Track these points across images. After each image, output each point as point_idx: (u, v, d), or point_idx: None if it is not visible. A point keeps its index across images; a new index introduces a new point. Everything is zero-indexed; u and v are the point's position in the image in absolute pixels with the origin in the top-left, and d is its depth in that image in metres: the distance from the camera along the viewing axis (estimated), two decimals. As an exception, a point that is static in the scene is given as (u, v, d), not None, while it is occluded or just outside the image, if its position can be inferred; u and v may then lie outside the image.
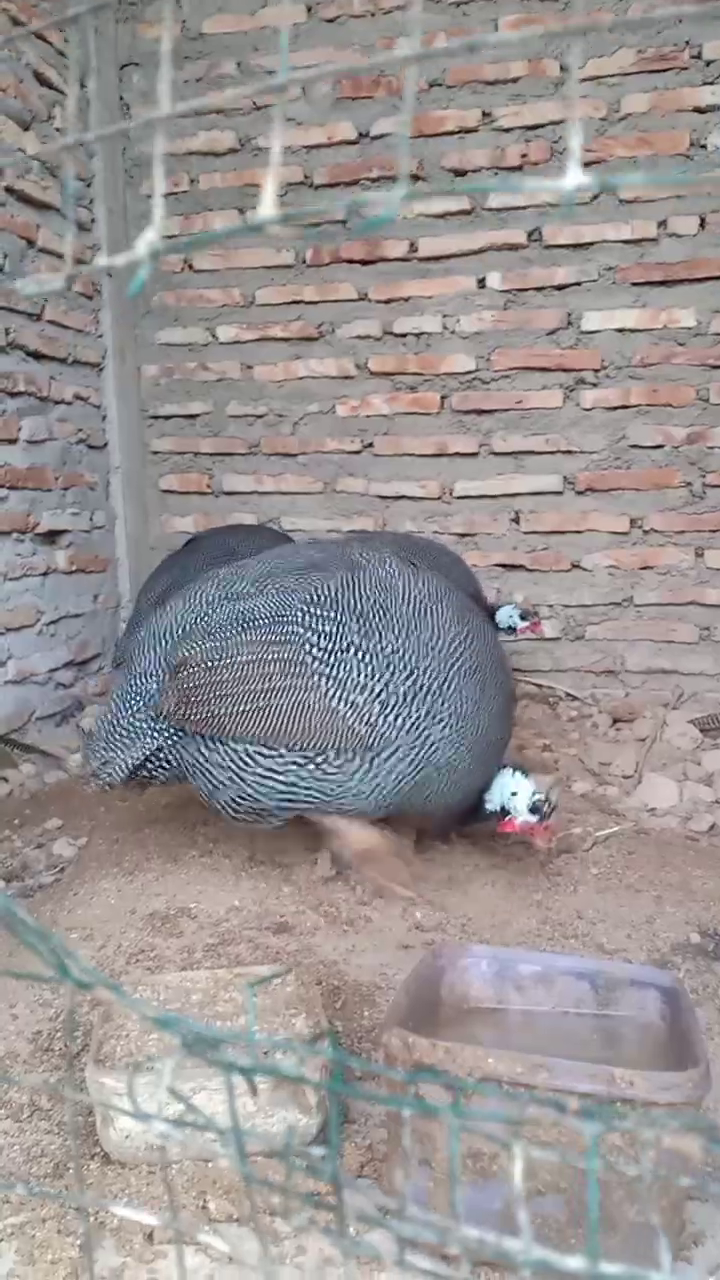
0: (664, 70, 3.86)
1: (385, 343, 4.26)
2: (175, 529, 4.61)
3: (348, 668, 2.20)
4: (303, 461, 4.43)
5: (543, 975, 1.71)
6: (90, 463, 4.22)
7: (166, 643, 2.37)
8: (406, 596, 2.32)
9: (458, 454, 4.23)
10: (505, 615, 3.66)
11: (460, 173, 4.07)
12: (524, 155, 4.00)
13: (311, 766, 2.23)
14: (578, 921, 2.34)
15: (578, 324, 4.04)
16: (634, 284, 3.96)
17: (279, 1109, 1.49)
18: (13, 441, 3.67)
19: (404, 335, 4.23)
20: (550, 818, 2.41)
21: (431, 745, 2.25)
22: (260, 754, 2.24)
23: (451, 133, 4.07)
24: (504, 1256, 0.52)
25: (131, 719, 2.37)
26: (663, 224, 3.90)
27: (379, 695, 2.20)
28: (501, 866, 2.62)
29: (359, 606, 2.26)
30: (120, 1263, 1.31)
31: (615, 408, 4.03)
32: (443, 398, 4.23)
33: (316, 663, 2.20)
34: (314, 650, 2.20)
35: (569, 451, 4.11)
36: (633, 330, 3.98)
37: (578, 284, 4.02)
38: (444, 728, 2.25)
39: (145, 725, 2.35)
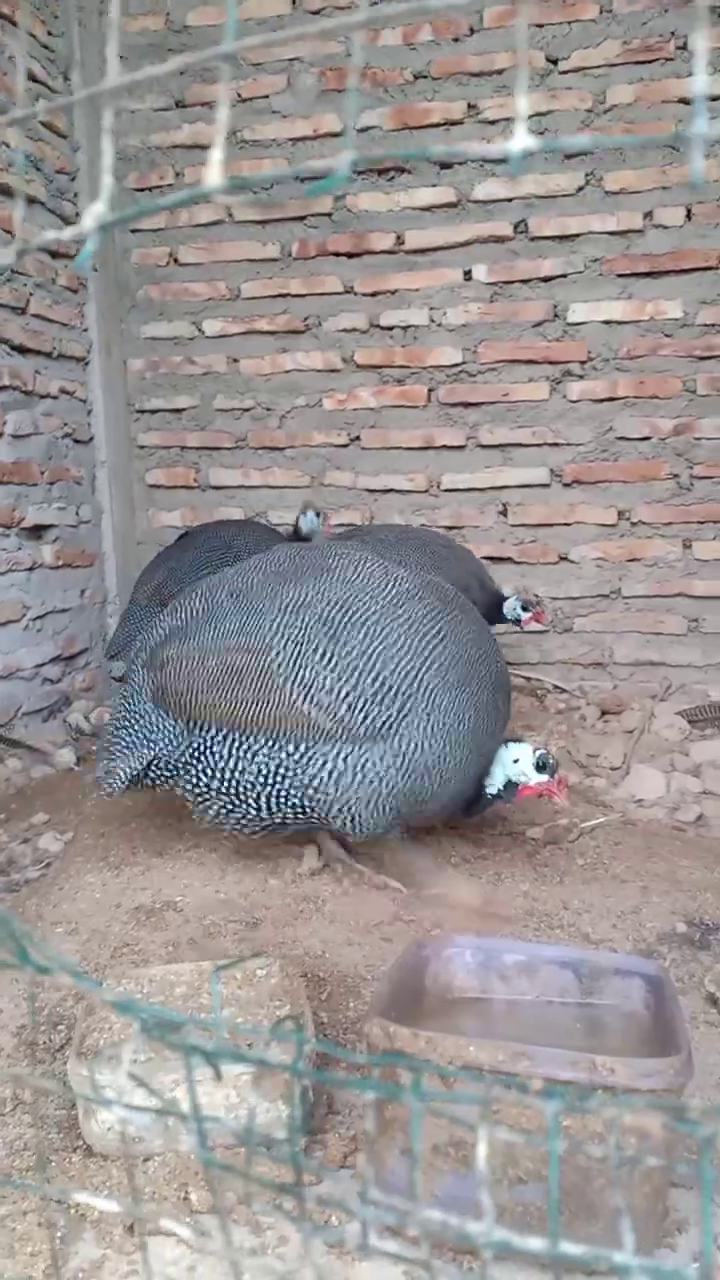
0: (649, 61, 3.85)
1: (372, 335, 4.25)
2: (162, 523, 4.60)
3: (313, 671, 2.24)
4: (290, 455, 4.42)
5: (527, 965, 1.71)
6: (76, 457, 4.20)
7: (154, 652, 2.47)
8: (379, 595, 2.32)
9: (445, 447, 4.23)
10: (510, 608, 3.66)
11: (446, 165, 4.07)
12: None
13: (283, 755, 2.27)
14: (564, 912, 2.34)
15: (564, 316, 4.03)
16: (620, 275, 3.96)
17: (262, 1100, 1.48)
18: (-2, 436, 3.66)
19: (390, 328, 4.22)
20: (557, 770, 2.42)
21: (412, 744, 2.24)
22: (234, 741, 2.31)
23: (437, 125, 4.06)
24: (465, 1239, 0.52)
25: (130, 730, 2.44)
26: (649, 215, 3.89)
27: (345, 696, 2.23)
28: (488, 857, 2.62)
29: (327, 611, 2.29)
30: (100, 1254, 1.31)
31: (602, 400, 4.03)
32: (430, 390, 4.22)
33: (282, 668, 2.26)
34: (278, 655, 2.27)
35: (556, 444, 4.11)
36: (619, 322, 3.98)
37: (564, 276, 4.01)
38: (421, 726, 2.24)
39: (143, 736, 2.42)
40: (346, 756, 2.24)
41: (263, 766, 2.28)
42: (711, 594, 4.00)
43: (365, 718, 2.22)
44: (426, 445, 4.24)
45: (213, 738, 2.33)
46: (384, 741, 2.23)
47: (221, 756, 2.32)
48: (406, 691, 2.23)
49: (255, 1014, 1.76)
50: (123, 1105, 0.57)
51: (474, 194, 4.05)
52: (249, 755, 2.29)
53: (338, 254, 4.23)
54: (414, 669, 2.24)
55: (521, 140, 0.36)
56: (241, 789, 2.31)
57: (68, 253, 4.18)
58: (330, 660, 2.24)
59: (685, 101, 3.82)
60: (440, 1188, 1.33)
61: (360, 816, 2.28)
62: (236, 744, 2.31)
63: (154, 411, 4.56)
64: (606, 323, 3.99)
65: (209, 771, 2.34)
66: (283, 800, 2.30)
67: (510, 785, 2.42)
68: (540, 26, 3.91)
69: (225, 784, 2.32)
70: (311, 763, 2.25)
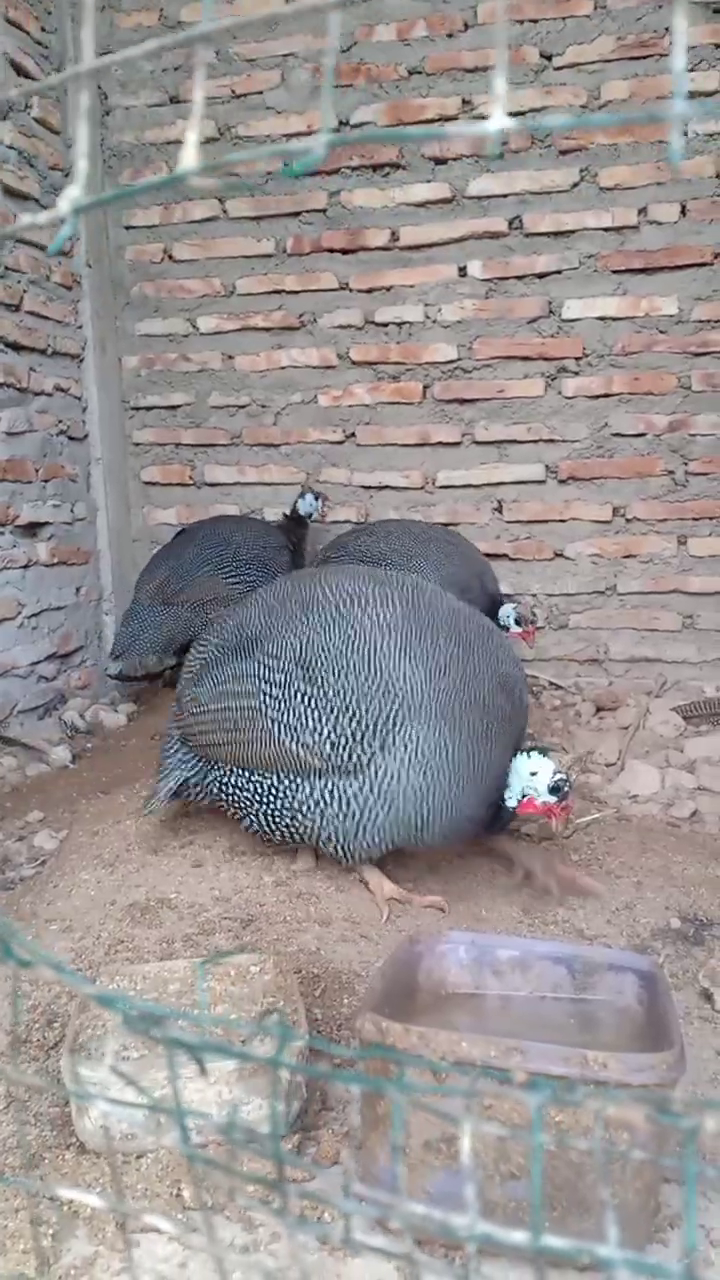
0: (644, 57, 3.84)
1: (367, 332, 4.25)
2: (157, 520, 4.59)
3: (296, 713, 2.31)
4: (285, 452, 4.41)
5: (520, 960, 1.71)
6: (71, 454, 4.20)
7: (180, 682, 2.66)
8: (351, 634, 2.31)
9: (440, 443, 4.22)
10: (504, 614, 3.66)
11: (441, 161, 4.06)
12: (505, 143, 3.98)
13: (283, 790, 2.36)
14: (558, 908, 2.34)
15: (559, 312, 4.03)
16: (615, 272, 3.95)
17: (253, 1096, 1.48)
18: (-8, 433, 3.65)
19: (386, 324, 4.22)
20: (568, 798, 2.36)
21: (390, 777, 2.24)
22: (245, 777, 2.44)
23: (431, 120, 4.05)
24: (449, 1233, 0.51)
25: (167, 754, 2.62)
26: (643, 211, 3.89)
27: (328, 736, 2.27)
28: (483, 854, 2.62)
29: (303, 653, 2.34)
30: (93, 1251, 1.31)
31: (597, 396, 4.03)
32: (425, 387, 4.22)
33: (270, 710, 2.34)
34: (266, 700, 2.36)
35: (551, 440, 4.10)
36: (614, 318, 3.97)
37: (559, 272, 4.01)
38: (400, 758, 2.23)
39: (176, 759, 2.58)
40: (333, 789, 2.29)
41: (266, 798, 2.40)
42: (706, 590, 4.00)
43: (349, 755, 2.26)
44: (422, 442, 4.24)
45: (224, 773, 2.48)
46: (364, 774, 2.25)
47: (233, 787, 2.46)
48: (383, 729, 2.23)
49: (248, 1011, 1.76)
50: (107, 1100, 0.56)
51: (468, 190, 4.05)
52: (254, 789, 2.41)
53: (332, 250, 4.23)
54: (385, 707, 2.24)
55: (499, 120, 0.36)
56: (257, 815, 2.42)
57: (64, 250, 4.17)
58: (311, 701, 2.30)
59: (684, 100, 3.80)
60: (432, 1184, 1.33)
61: (349, 846, 2.33)
62: (243, 779, 2.44)
63: (149, 408, 4.55)
64: (601, 319, 3.99)
65: (228, 799, 2.48)
66: (283, 825, 2.39)
67: (524, 796, 2.35)
68: (534, 22, 3.91)
69: (243, 810, 2.45)
70: (299, 792, 2.34)
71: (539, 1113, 0.49)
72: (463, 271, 4.11)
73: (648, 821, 2.90)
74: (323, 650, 2.31)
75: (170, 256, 4.43)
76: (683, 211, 3.86)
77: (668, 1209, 1.40)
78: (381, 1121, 1.37)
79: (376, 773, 2.24)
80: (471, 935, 1.79)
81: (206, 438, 4.50)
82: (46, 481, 3.98)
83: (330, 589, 2.42)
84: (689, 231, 3.86)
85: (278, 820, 2.38)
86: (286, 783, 2.35)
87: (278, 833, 2.41)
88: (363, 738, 2.24)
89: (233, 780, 2.45)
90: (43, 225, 0.43)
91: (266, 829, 2.42)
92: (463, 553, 3.67)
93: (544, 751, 2.34)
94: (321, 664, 2.30)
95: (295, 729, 2.30)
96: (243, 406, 4.44)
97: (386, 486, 4.31)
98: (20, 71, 3.82)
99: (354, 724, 2.24)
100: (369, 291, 4.21)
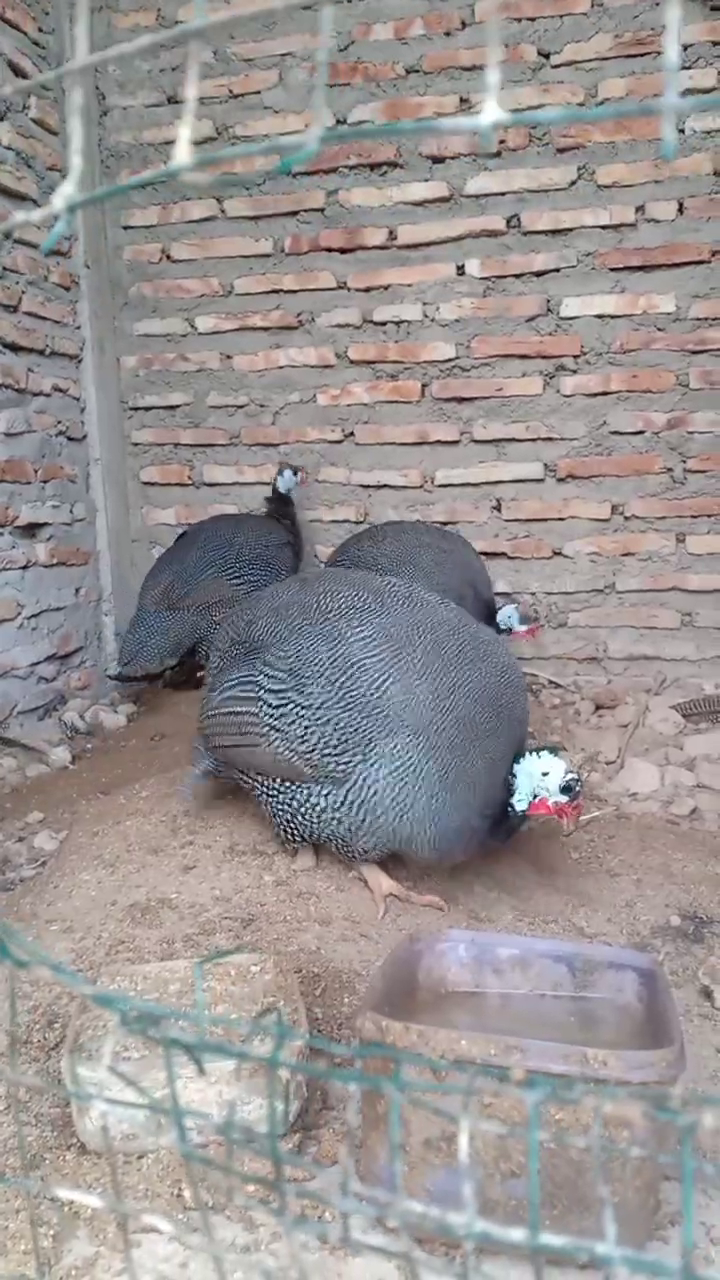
0: (641, 55, 3.85)
1: (365, 331, 4.25)
2: (157, 521, 4.59)
3: (289, 721, 2.36)
4: (284, 451, 4.41)
5: (520, 958, 1.71)
6: (70, 455, 4.20)
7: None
8: (335, 647, 2.34)
9: (439, 442, 4.22)
10: (505, 616, 3.66)
11: (438, 159, 4.06)
12: (502, 141, 3.98)
13: (284, 794, 2.41)
14: (558, 906, 2.34)
15: (557, 310, 4.03)
16: (613, 270, 3.95)
17: (253, 1096, 1.48)
18: (-10, 434, 3.65)
19: (384, 323, 4.22)
20: (580, 797, 2.35)
21: (369, 788, 2.27)
22: (252, 778, 2.50)
23: (428, 119, 4.04)
24: (446, 1231, 0.51)
25: (197, 740, 2.71)
26: (641, 209, 3.89)
27: (315, 745, 2.31)
28: (482, 853, 2.61)
29: (293, 663, 2.39)
30: (94, 1252, 1.31)
31: (595, 394, 4.03)
32: (423, 386, 4.21)
33: (269, 717, 2.39)
34: (265, 707, 2.41)
35: (550, 439, 4.10)
36: (612, 316, 3.97)
37: (557, 270, 4.01)
38: (380, 771, 2.25)
39: (199, 753, 2.68)
40: (328, 795, 2.33)
41: (271, 800, 2.45)
42: (705, 588, 4.00)
43: (334, 765, 2.30)
44: (420, 441, 4.24)
45: (238, 774, 2.55)
46: (349, 784, 2.29)
47: (246, 784, 2.52)
48: (363, 741, 2.26)
49: (249, 1010, 1.76)
50: (105, 1100, 0.56)
51: (466, 189, 4.05)
52: (262, 791, 2.47)
53: (330, 249, 4.23)
54: (363, 721, 2.27)
55: (491, 114, 0.36)
56: (273, 813, 2.46)
57: (62, 250, 4.17)
58: (300, 711, 2.34)
59: (678, 95, 3.80)
60: (433, 1182, 1.33)
61: (347, 849, 2.37)
62: (252, 780, 2.50)
63: (148, 409, 4.55)
64: (599, 317, 3.98)
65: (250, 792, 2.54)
66: (288, 826, 2.43)
67: (535, 797, 2.33)
68: (532, 20, 3.91)
69: (260, 806, 2.51)
70: (298, 795, 2.38)
71: (537, 1110, 0.49)
72: (461, 270, 4.11)
73: (647, 819, 2.90)
74: (310, 662, 2.36)
75: (168, 256, 4.43)
76: (680, 209, 3.86)
77: (668, 1206, 1.40)
78: (382, 1120, 1.37)
79: (358, 783, 2.28)
80: (471, 933, 1.79)
81: (205, 437, 4.50)
82: (45, 482, 3.98)
83: (326, 598, 2.46)
84: (686, 229, 3.86)
85: (282, 820, 2.43)
86: (288, 786, 2.40)
87: (284, 832, 2.45)
88: (343, 750, 2.28)
89: (245, 781, 2.53)
90: (37, 223, 0.43)
91: (276, 828, 2.48)
92: (455, 560, 3.66)
93: (554, 751, 2.34)
94: (308, 675, 2.35)
95: (289, 736, 2.35)
96: (241, 406, 4.44)
97: (385, 485, 4.31)
98: (18, 72, 3.82)
99: (336, 735, 2.28)
100: (367, 290, 4.21)
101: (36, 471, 3.92)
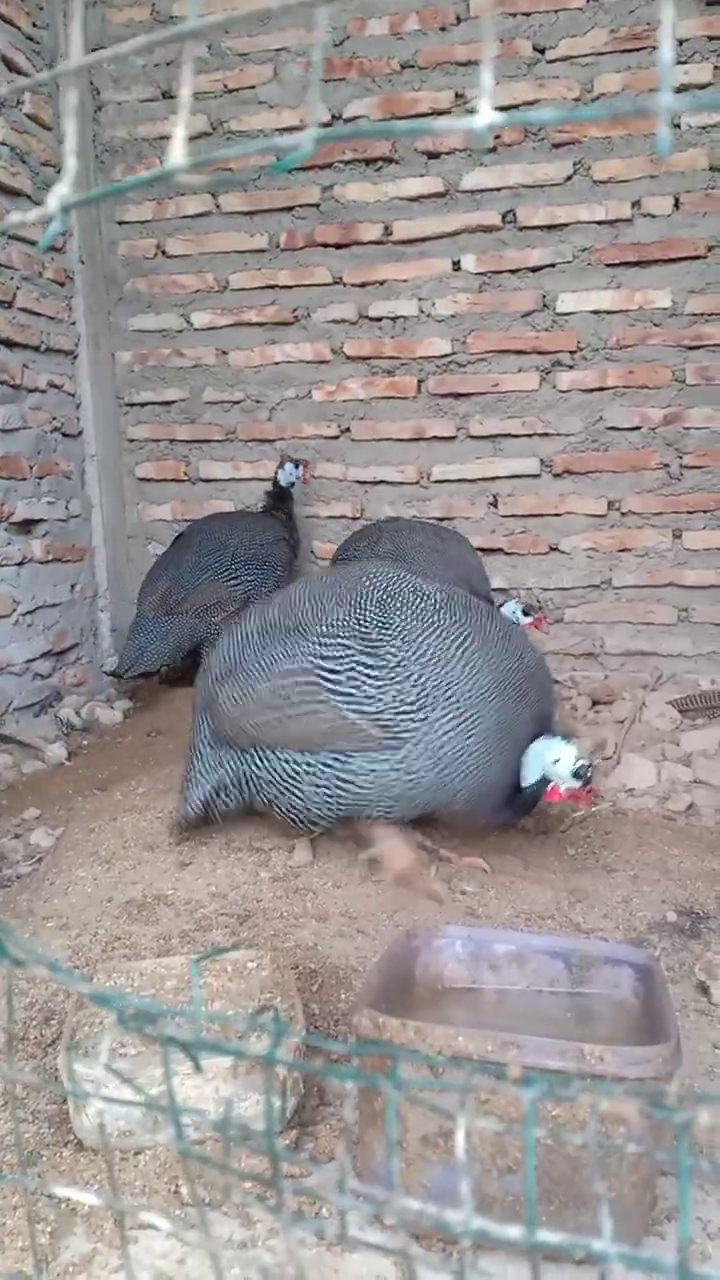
0: (636, 50, 3.84)
1: (361, 326, 4.24)
2: (153, 517, 4.59)
3: (356, 683, 2.35)
4: (280, 447, 4.40)
5: (517, 954, 1.71)
6: (65, 451, 4.19)
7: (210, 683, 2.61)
8: (408, 609, 2.41)
9: (435, 438, 4.22)
10: (507, 611, 3.66)
11: (434, 155, 4.05)
12: (497, 136, 3.97)
13: (338, 766, 2.38)
14: (558, 904, 2.34)
15: (553, 306, 4.02)
16: (609, 265, 3.95)
17: (250, 1093, 1.48)
18: (-15, 430, 3.65)
19: (380, 319, 4.21)
20: (592, 780, 2.41)
21: (443, 735, 2.31)
22: (295, 759, 2.43)
23: (424, 114, 4.03)
24: (443, 1227, 0.51)
25: (194, 763, 2.61)
26: (637, 204, 3.88)
27: (388, 703, 2.32)
28: (482, 851, 2.62)
29: (360, 628, 2.40)
30: (91, 1248, 1.31)
31: (592, 390, 4.03)
32: (419, 381, 4.21)
33: (326, 683, 2.37)
34: (323, 673, 2.38)
35: (546, 434, 4.10)
36: (608, 311, 3.97)
37: (552, 265, 4.00)
38: (451, 721, 2.31)
39: (207, 764, 2.58)
40: (389, 759, 2.34)
41: (316, 776, 2.41)
42: (701, 584, 4.00)
43: (406, 719, 2.32)
44: (417, 436, 4.23)
45: (271, 760, 2.46)
46: (414, 737, 2.32)
47: (278, 773, 2.45)
48: (436, 693, 2.32)
49: (245, 1007, 1.76)
50: (101, 1098, 0.56)
51: (462, 184, 4.04)
52: (305, 768, 2.41)
53: (326, 245, 4.22)
54: (445, 673, 2.33)
55: (485, 115, 0.36)
56: (302, 796, 2.43)
57: (56, 246, 4.16)
58: (372, 672, 2.35)
59: (673, 90, 3.80)
60: (430, 1178, 1.34)
61: (396, 810, 2.40)
62: (292, 760, 2.43)
63: (143, 404, 4.54)
64: (595, 312, 3.98)
65: (273, 785, 2.46)
66: (331, 801, 2.41)
67: (544, 781, 2.41)
68: (527, 15, 3.90)
69: (286, 795, 2.45)
70: (351, 762, 2.37)
71: (533, 1107, 0.50)
72: (456, 266, 4.10)
73: (644, 815, 2.90)
74: (382, 624, 2.39)
75: (163, 252, 4.42)
76: (676, 204, 3.85)
77: (665, 1202, 1.41)
78: (379, 1116, 1.37)
79: (431, 735, 2.31)
80: (468, 930, 1.79)
81: (201, 433, 4.50)
82: (41, 478, 3.98)
83: (375, 574, 2.54)
84: (682, 224, 3.86)
85: (319, 800, 2.40)
86: (337, 759, 2.38)
87: (324, 809, 2.42)
88: (416, 703, 2.31)
89: (279, 765, 2.46)
90: (32, 223, 0.42)
91: (310, 810, 2.44)
92: (449, 557, 3.66)
93: (565, 737, 2.37)
94: (382, 635, 2.37)
95: (353, 699, 2.34)
96: (237, 402, 4.43)
97: (381, 481, 4.30)
98: (11, 67, 3.80)
99: (416, 690, 2.31)
100: (362, 286, 4.21)
101: (32, 468, 3.91)
